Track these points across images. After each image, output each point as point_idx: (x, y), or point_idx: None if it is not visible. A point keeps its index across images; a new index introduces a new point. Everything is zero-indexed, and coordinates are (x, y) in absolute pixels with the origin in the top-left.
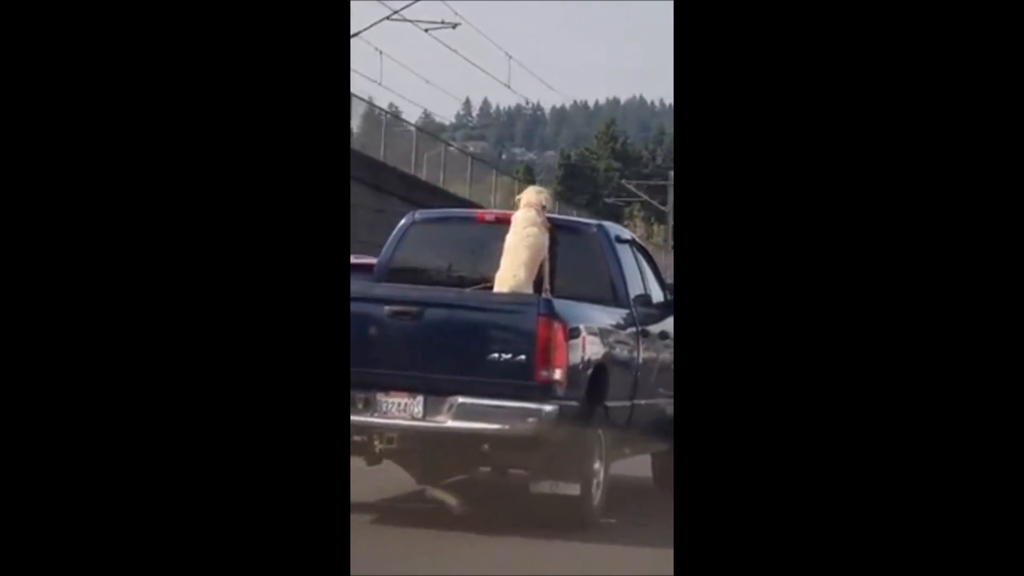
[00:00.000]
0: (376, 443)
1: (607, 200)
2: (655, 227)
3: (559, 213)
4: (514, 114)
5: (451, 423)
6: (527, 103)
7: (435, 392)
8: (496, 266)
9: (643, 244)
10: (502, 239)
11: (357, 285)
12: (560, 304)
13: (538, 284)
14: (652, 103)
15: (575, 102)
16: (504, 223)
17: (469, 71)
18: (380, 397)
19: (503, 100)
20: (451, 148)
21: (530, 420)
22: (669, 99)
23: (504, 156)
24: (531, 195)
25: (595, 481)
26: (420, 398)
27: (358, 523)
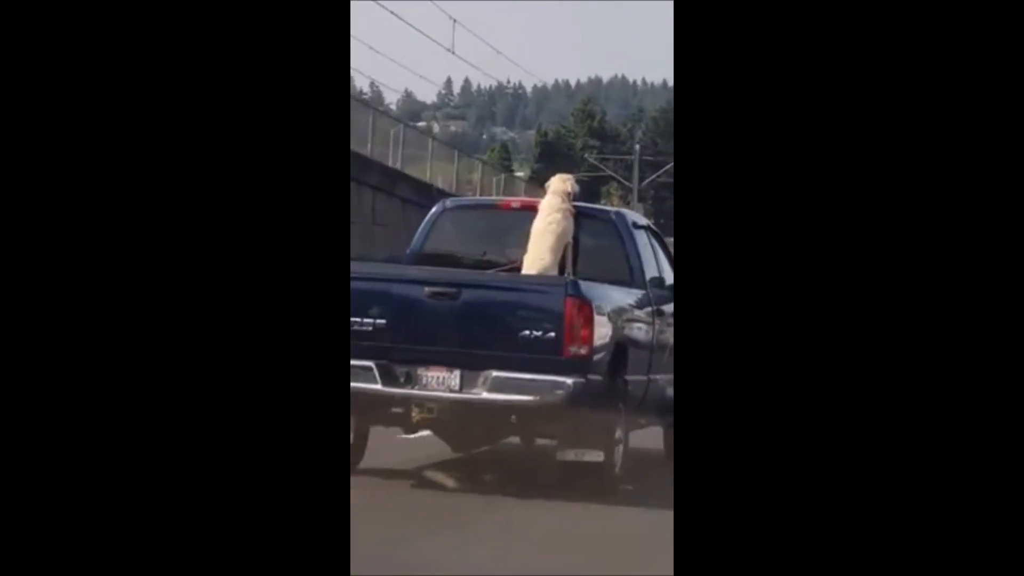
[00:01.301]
0: (415, 413)
1: (578, 177)
2: (631, 204)
3: (537, 188)
4: (495, 94)
5: (486, 395)
6: (508, 82)
7: (471, 367)
8: (523, 250)
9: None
10: (527, 225)
11: (399, 268)
12: (586, 286)
13: (562, 267)
14: (634, 82)
15: (556, 81)
16: (530, 210)
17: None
18: (420, 371)
19: (484, 80)
20: (411, 126)
21: (558, 392)
22: (651, 78)
23: (485, 135)
24: (557, 183)
25: (617, 449)
26: (457, 372)
27: (396, 488)
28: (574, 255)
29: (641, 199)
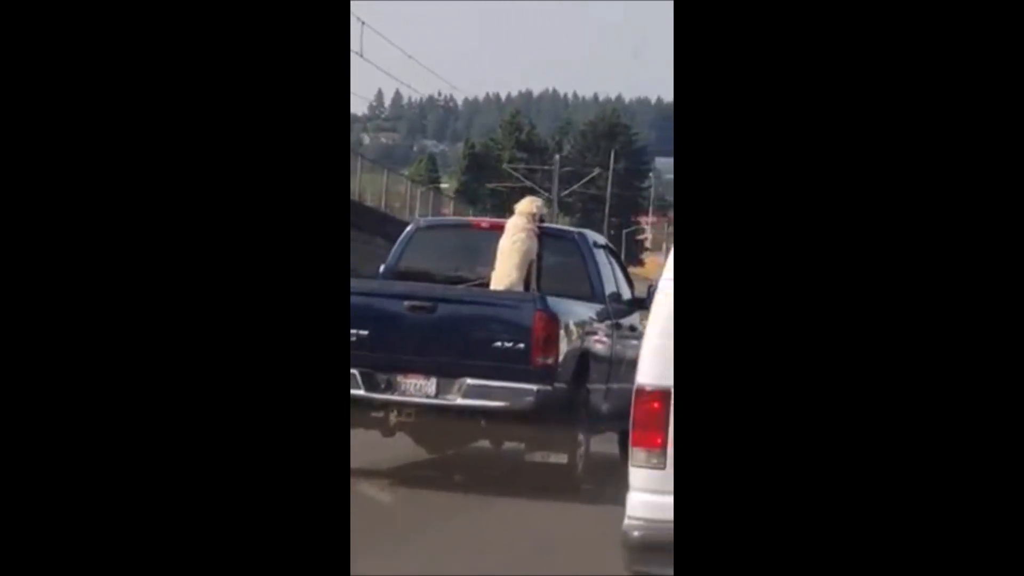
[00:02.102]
0: (392, 417)
1: (495, 187)
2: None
3: (463, 204)
4: (426, 106)
5: (460, 400)
6: (439, 95)
7: (446, 374)
8: (491, 267)
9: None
10: (494, 243)
11: (378, 283)
12: (552, 301)
13: (527, 283)
14: (565, 95)
15: (487, 94)
16: (497, 229)
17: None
18: (399, 378)
19: (415, 93)
20: None
21: (527, 399)
22: (582, 92)
23: (415, 148)
24: (524, 204)
25: (579, 452)
26: (434, 379)
27: (374, 488)
28: (538, 272)
29: (568, 211)
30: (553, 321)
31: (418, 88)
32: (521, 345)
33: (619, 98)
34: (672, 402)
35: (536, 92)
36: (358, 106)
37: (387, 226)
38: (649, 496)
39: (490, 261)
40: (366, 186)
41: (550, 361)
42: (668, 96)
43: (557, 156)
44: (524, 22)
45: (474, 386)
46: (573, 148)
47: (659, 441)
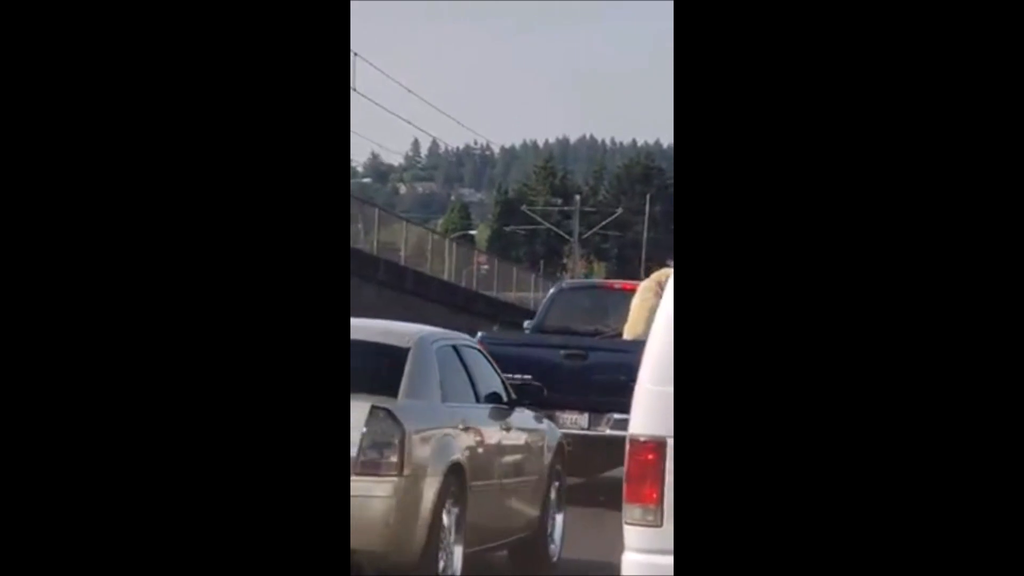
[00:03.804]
0: None
1: (513, 229)
2: (594, 264)
3: (495, 245)
4: (463, 155)
5: (608, 432)
6: (475, 143)
7: (596, 410)
8: (624, 321)
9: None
10: (621, 301)
11: (542, 338)
12: None
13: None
14: (602, 141)
15: (524, 141)
16: (627, 289)
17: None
18: (558, 413)
19: (452, 140)
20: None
21: None
22: (619, 138)
23: (453, 196)
24: (659, 272)
25: None
26: (586, 415)
27: None
28: None
29: (603, 256)
30: None
31: (451, 140)
32: None
33: (657, 143)
34: (669, 453)
35: (573, 139)
36: (393, 156)
37: (401, 276)
38: (645, 557)
39: (618, 316)
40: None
41: None
42: None
43: (577, 197)
44: (561, 67)
45: (620, 420)
46: (607, 192)
47: (655, 496)
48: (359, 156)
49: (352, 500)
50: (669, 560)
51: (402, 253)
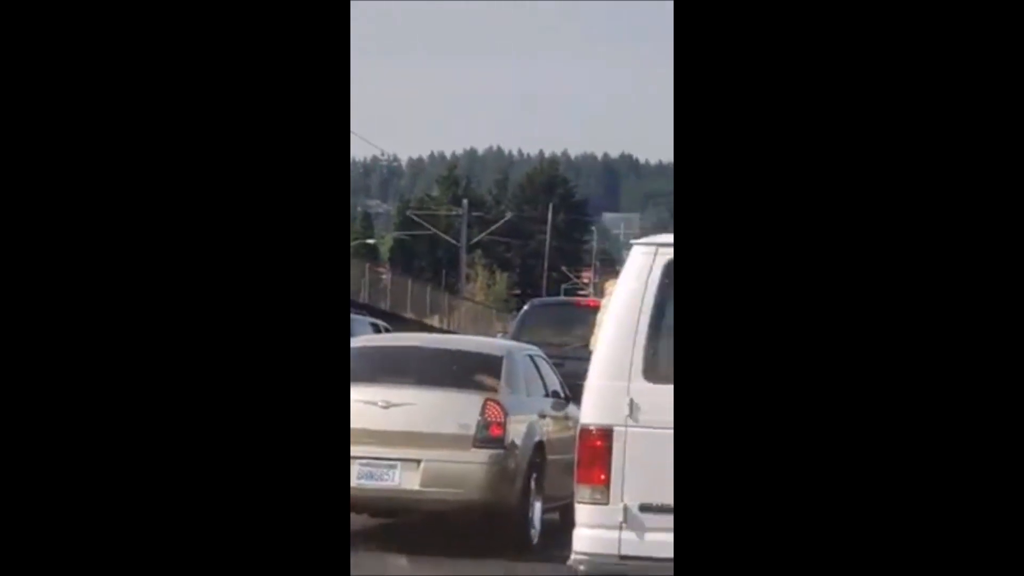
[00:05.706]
0: None
1: (399, 236)
2: (496, 273)
3: (398, 255)
4: (370, 166)
5: None
6: (383, 155)
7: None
8: (590, 334)
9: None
10: (592, 316)
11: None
12: None
13: None
14: (509, 152)
15: (432, 153)
16: (591, 306)
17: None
18: None
19: (359, 152)
20: None
21: None
22: (526, 149)
23: (360, 208)
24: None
25: None
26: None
27: None
28: None
29: (507, 265)
30: None
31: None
32: None
33: (564, 153)
34: (613, 440)
35: (480, 150)
36: None
37: None
38: (593, 531)
39: (584, 329)
40: None
41: None
42: (614, 153)
43: (465, 201)
44: (464, 80)
45: None
46: (511, 201)
47: (603, 477)
48: None
49: (470, 466)
50: (615, 535)
51: None
